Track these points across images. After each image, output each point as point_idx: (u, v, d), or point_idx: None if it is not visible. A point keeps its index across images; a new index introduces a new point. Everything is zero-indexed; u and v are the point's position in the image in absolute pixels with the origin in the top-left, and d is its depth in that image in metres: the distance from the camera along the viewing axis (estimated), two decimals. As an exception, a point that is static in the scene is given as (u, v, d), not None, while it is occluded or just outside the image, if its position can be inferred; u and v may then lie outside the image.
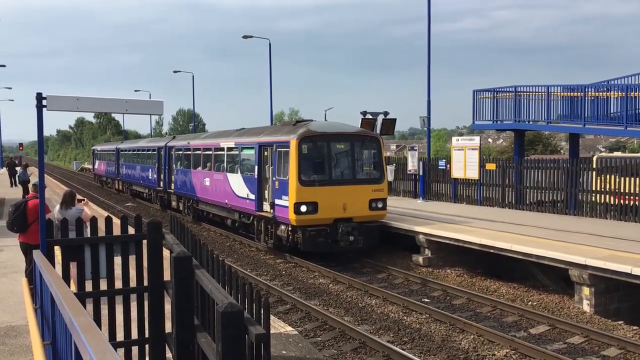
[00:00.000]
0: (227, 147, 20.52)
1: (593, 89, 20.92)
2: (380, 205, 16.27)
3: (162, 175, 28.78)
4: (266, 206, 17.21)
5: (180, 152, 26.04)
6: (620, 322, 10.97)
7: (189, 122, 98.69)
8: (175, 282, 4.95)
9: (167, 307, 5.94)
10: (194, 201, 24.18)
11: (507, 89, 23.58)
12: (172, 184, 27.06)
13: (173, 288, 5.04)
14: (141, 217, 6.59)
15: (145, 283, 6.11)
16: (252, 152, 18.20)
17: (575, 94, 21.11)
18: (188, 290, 4.95)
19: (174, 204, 27.28)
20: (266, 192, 17.26)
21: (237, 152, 19.50)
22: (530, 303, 12.44)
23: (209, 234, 22.17)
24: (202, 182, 22.56)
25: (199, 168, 23.16)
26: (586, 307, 11.63)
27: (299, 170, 15.37)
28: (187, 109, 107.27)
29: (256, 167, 17.61)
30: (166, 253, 6.64)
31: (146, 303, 6.07)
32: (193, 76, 53.18)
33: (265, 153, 17.35)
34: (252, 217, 18.42)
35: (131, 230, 6.51)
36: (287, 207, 15.56)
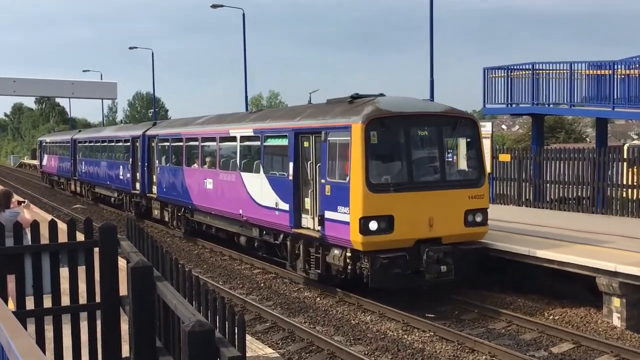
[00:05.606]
0: (242, 136, 17.70)
1: (624, 66, 21.10)
2: (479, 219, 13.55)
3: (138, 175, 25.87)
4: (308, 221, 14.50)
5: (167, 144, 23.26)
6: (656, 338, 11.11)
7: (149, 107, 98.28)
8: (133, 297, 4.95)
9: (124, 327, 5.93)
10: (187, 210, 21.61)
11: (524, 67, 23.74)
12: (154, 187, 24.26)
13: (130, 304, 5.03)
14: (92, 220, 6.56)
15: (98, 299, 6.10)
16: (283, 142, 15.41)
17: (603, 71, 21.28)
18: (148, 306, 4.96)
19: (156, 212, 24.50)
20: (307, 200, 14.54)
21: (257, 143, 16.79)
22: (551, 317, 12.56)
23: (204, 252, 22.08)
24: (201, 184, 19.82)
25: (196, 165, 20.59)
26: (616, 321, 11.75)
27: (366, 169, 12.53)
28: (145, 92, 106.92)
29: (291, 164, 14.79)
30: (122, 263, 6.63)
31: (99, 322, 6.06)
32: (152, 53, 53.12)
33: (306, 144, 14.60)
34: (283, 236, 15.59)
35: (80, 237, 6.49)
36: (346, 223, 12.81)
